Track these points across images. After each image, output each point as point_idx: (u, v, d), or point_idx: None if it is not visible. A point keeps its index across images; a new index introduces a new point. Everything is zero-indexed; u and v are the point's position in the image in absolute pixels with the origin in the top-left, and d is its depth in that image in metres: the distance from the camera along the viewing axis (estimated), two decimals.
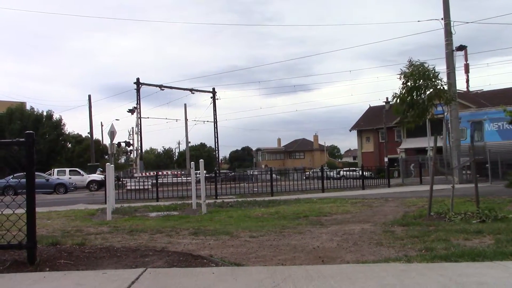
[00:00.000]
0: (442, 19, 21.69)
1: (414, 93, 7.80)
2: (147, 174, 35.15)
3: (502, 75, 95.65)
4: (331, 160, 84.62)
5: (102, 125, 55.65)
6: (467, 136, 22.37)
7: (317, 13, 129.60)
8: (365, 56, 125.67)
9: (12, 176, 14.09)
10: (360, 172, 22.51)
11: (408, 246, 5.14)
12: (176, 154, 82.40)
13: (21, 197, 4.18)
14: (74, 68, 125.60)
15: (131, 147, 43.21)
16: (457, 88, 24.43)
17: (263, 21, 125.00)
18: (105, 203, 11.45)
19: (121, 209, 12.14)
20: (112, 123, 21.23)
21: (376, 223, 7.55)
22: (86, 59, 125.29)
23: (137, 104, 41.86)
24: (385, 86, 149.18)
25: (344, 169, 43.39)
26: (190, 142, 57.50)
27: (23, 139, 4.21)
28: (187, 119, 48.73)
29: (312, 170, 30.46)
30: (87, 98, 46.04)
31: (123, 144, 39.55)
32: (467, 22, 44.95)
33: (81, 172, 32.91)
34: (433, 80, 7.78)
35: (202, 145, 78.89)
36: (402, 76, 7.89)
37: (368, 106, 56.83)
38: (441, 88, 7.86)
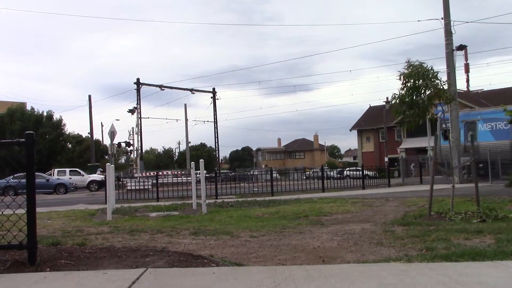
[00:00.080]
0: (442, 18, 21.73)
1: (414, 94, 7.80)
2: (147, 174, 35.10)
3: (502, 74, 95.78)
4: (331, 160, 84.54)
5: (102, 125, 55.75)
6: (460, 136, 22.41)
7: (317, 13, 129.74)
8: (365, 56, 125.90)
9: (12, 176, 14.11)
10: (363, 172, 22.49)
11: (409, 246, 5.14)
12: (176, 154, 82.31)
13: (22, 197, 4.18)
14: (74, 68, 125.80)
15: (131, 147, 43.28)
16: (458, 88, 24.45)
17: (263, 21, 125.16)
18: (106, 203, 11.44)
19: (122, 209, 12.15)
20: (112, 123, 21.28)
21: (376, 222, 7.56)
22: (86, 59, 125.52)
23: (137, 104, 41.89)
24: (386, 86, 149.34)
25: (347, 169, 43.25)
26: (190, 142, 57.59)
27: (23, 140, 4.21)
28: (187, 119, 48.86)
29: (312, 170, 30.47)
30: (87, 98, 46.15)
31: (123, 144, 39.49)
32: (467, 22, 45.04)
33: (81, 172, 32.91)
34: (433, 80, 7.78)
35: (202, 145, 78.78)
36: (402, 77, 7.89)
37: (368, 106, 56.95)
38: (441, 87, 7.86)
